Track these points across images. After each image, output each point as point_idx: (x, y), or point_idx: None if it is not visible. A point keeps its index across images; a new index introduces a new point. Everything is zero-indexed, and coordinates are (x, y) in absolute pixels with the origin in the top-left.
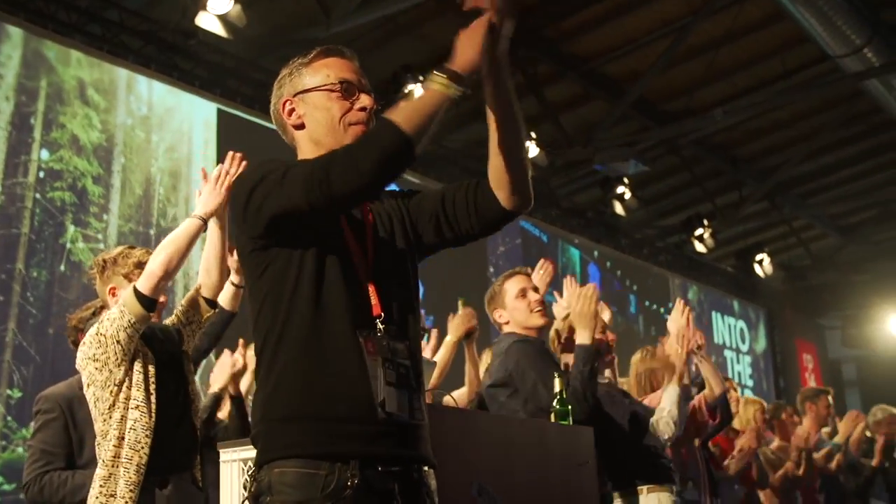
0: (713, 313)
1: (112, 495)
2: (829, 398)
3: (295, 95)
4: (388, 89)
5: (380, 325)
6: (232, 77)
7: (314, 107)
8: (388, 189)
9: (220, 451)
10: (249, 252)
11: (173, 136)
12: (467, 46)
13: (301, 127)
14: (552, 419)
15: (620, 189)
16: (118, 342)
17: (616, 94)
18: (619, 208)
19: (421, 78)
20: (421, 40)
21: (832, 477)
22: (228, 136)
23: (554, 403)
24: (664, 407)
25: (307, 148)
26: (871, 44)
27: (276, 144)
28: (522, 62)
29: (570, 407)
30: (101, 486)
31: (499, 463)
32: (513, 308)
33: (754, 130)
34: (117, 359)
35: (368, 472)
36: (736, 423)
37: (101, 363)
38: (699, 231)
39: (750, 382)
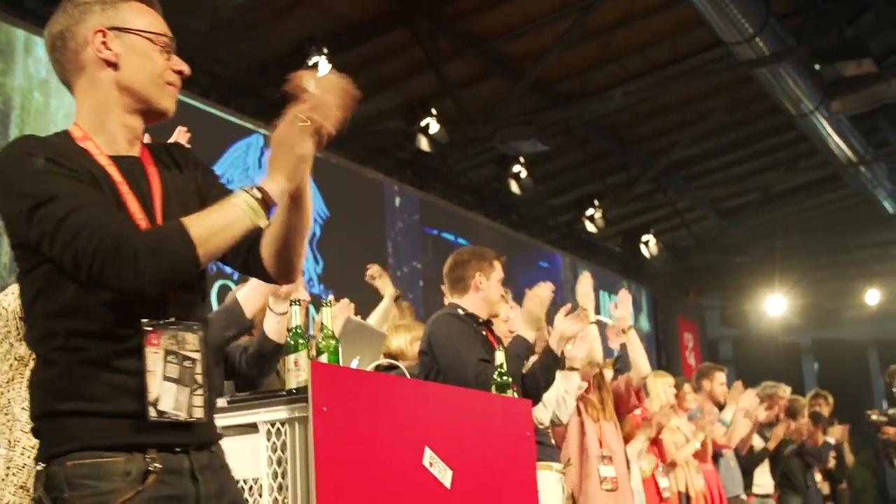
0: (601, 292)
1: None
2: (723, 375)
3: (111, 29)
4: (290, 62)
5: (170, 315)
6: None
7: (133, 50)
8: (195, 157)
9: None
10: (18, 244)
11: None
12: (286, 168)
13: (114, 66)
14: (493, 391)
15: (517, 168)
16: (20, 318)
17: (514, 73)
18: (514, 187)
19: (325, 51)
20: (322, 12)
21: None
22: None
23: (495, 376)
24: (548, 394)
25: (111, 92)
26: (763, 33)
27: (183, 116)
28: (422, 38)
29: (510, 380)
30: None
31: (448, 434)
32: (492, 287)
33: (643, 113)
34: (19, 334)
35: (165, 455)
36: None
37: (1, 336)
38: (590, 211)
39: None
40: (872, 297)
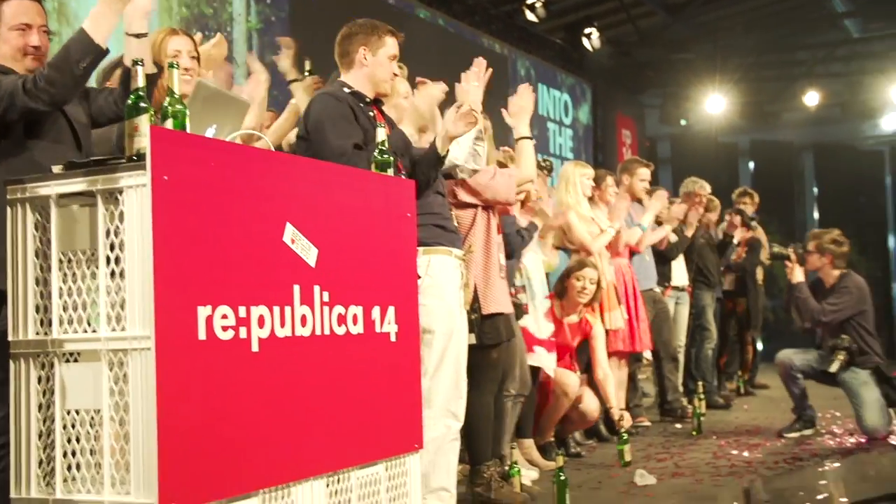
0: (540, 85)
1: None
2: (647, 171)
3: None
4: None
5: None
6: None
7: None
8: None
9: (7, 188)
10: None
11: None
12: None
13: None
14: (373, 169)
15: None
16: None
17: None
18: None
19: None
20: None
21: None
22: None
23: (376, 154)
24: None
25: None
26: None
27: None
28: None
29: (392, 159)
30: None
31: (315, 211)
32: (378, 64)
33: None
34: None
35: None
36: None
37: None
38: (531, 0)
39: (570, 155)
40: (812, 98)
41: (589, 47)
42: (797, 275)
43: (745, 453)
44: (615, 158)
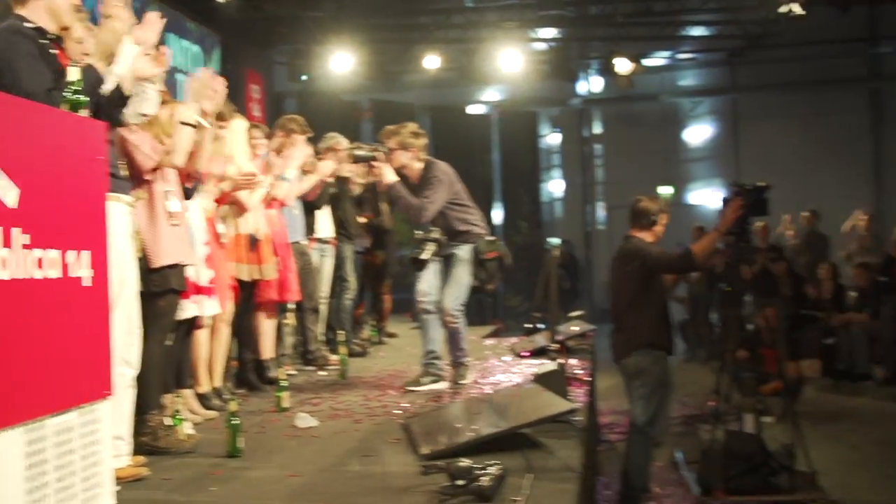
0: (169, 35)
1: None
2: (302, 139)
3: None
4: None
5: None
6: None
7: None
8: None
9: None
10: None
11: None
12: None
13: None
14: (65, 108)
15: None
16: None
17: None
18: None
19: None
20: None
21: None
22: None
23: (67, 94)
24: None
25: None
26: None
27: None
28: None
29: (82, 100)
30: None
31: (15, 150)
32: None
33: None
34: None
35: None
36: None
37: None
38: None
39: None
40: (431, 62)
41: None
42: (390, 175)
43: (392, 392)
44: (243, 113)
